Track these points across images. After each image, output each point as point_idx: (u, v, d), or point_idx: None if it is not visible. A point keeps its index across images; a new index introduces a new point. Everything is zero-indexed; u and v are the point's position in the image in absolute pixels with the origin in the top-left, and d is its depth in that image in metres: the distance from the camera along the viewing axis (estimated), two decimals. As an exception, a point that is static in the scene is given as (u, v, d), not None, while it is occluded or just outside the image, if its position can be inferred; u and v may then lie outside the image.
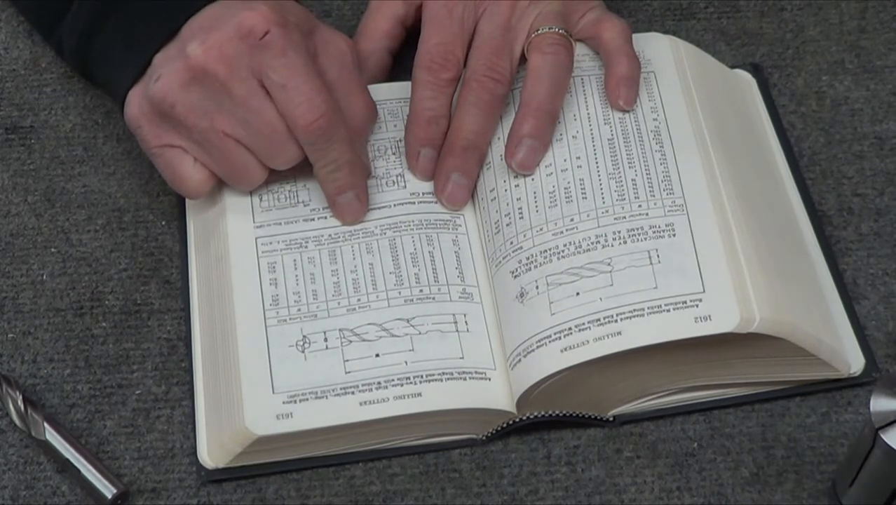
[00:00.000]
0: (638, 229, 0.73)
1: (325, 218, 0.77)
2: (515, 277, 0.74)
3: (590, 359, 0.70)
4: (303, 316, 0.74)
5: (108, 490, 0.71)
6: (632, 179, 0.75)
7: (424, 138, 0.78)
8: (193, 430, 0.74)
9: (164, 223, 0.81)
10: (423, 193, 0.78)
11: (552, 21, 0.78)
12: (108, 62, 0.78)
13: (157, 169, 0.76)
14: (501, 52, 0.78)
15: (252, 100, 0.72)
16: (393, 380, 0.72)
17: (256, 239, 0.76)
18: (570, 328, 0.71)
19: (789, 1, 0.91)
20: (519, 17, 0.78)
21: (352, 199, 0.76)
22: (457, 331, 0.74)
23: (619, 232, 0.73)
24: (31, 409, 0.73)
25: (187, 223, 0.80)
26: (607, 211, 0.74)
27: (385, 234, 0.76)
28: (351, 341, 0.73)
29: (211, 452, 0.72)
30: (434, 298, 0.75)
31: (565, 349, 0.70)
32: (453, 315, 0.74)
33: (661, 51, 0.81)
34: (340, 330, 0.73)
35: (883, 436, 0.64)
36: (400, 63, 0.80)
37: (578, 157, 0.76)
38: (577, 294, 0.72)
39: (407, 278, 0.75)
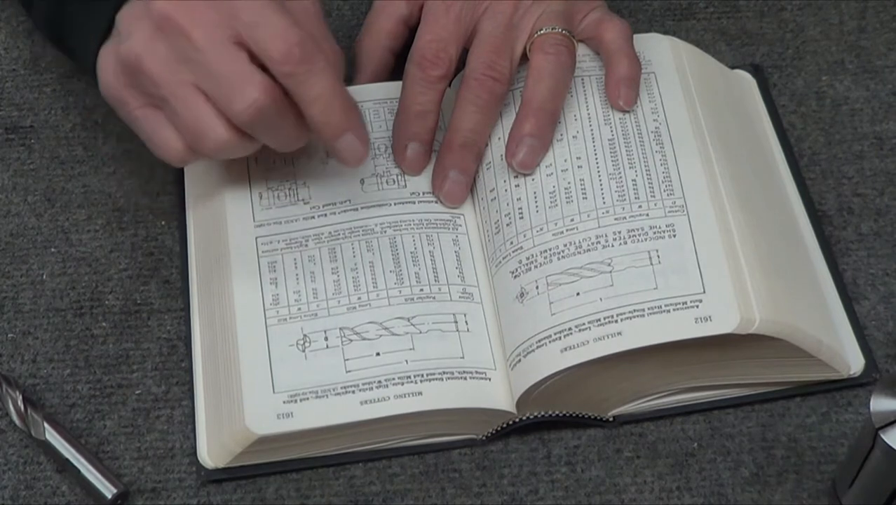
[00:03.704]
0: (638, 230, 0.73)
1: (326, 216, 0.77)
2: (515, 277, 0.74)
3: (590, 359, 0.70)
4: (303, 315, 0.74)
5: (108, 490, 0.71)
6: (632, 180, 0.75)
7: (412, 133, 0.78)
8: (193, 430, 0.74)
9: (164, 223, 0.81)
10: (424, 193, 0.78)
11: (555, 21, 0.78)
12: (74, 24, 0.76)
13: (137, 133, 0.75)
14: (502, 50, 0.78)
15: (216, 45, 0.70)
16: (393, 379, 0.72)
17: (257, 238, 0.76)
18: (570, 328, 0.71)
19: (789, 1, 0.91)
20: (521, 16, 0.78)
21: (352, 140, 0.73)
22: (457, 330, 0.74)
23: (620, 232, 0.73)
24: (31, 409, 0.73)
25: (187, 223, 0.80)
26: (608, 211, 0.74)
27: (385, 232, 0.76)
28: (351, 340, 0.73)
29: (211, 451, 0.72)
30: (434, 298, 0.75)
31: (565, 349, 0.71)
32: (453, 315, 0.74)
33: (661, 51, 0.81)
34: (341, 329, 0.73)
35: (883, 436, 0.64)
36: (403, 63, 0.80)
37: (579, 158, 0.76)
38: (578, 294, 0.72)
39: (407, 277, 0.75)
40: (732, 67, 0.86)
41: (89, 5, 0.75)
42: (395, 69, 0.82)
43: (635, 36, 0.80)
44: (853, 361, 0.75)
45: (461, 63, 0.79)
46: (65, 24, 0.78)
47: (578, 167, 0.76)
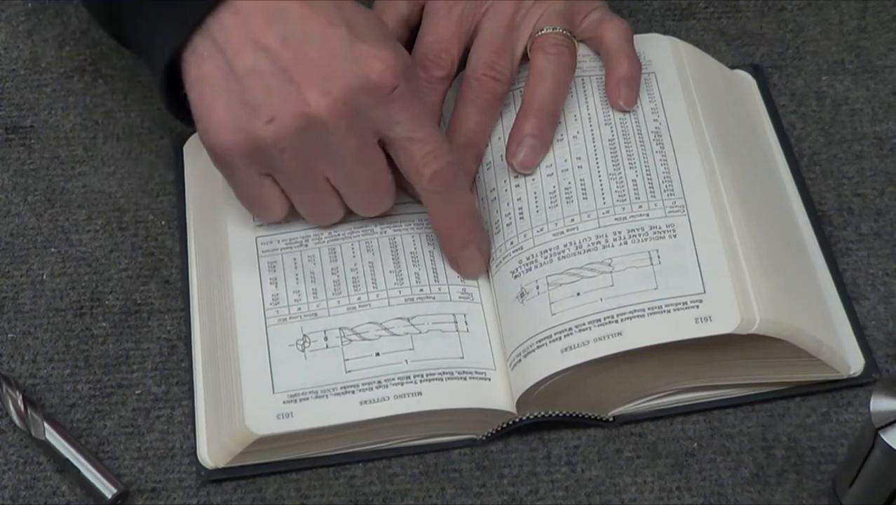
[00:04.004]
0: (638, 230, 0.73)
1: (325, 216, 0.77)
2: (516, 277, 0.74)
3: (590, 359, 0.70)
4: (303, 315, 0.74)
5: (108, 490, 0.71)
6: (632, 180, 0.75)
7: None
8: (193, 430, 0.74)
9: (164, 223, 0.81)
10: (424, 193, 0.78)
11: (556, 21, 0.78)
12: (141, 22, 0.72)
13: (233, 188, 0.73)
14: (503, 50, 0.78)
15: (365, 152, 0.70)
16: (393, 379, 0.72)
17: (257, 238, 0.76)
18: (570, 328, 0.71)
19: (789, 1, 0.91)
20: (522, 16, 0.78)
21: (474, 252, 0.75)
22: (457, 330, 0.74)
23: (620, 232, 0.73)
24: (31, 409, 0.73)
25: (187, 223, 0.80)
26: (608, 211, 0.74)
27: (385, 232, 0.76)
28: (351, 340, 0.73)
29: (211, 452, 0.72)
30: (434, 298, 0.75)
31: (565, 349, 0.70)
32: (453, 315, 0.74)
33: (661, 52, 0.81)
34: (340, 329, 0.73)
35: (883, 436, 0.64)
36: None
37: (579, 158, 0.76)
38: (578, 294, 0.72)
39: (407, 277, 0.75)
40: (732, 67, 0.86)
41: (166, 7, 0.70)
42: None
43: (635, 36, 0.80)
44: (853, 361, 0.75)
45: (462, 63, 0.79)
46: (126, 16, 0.74)
47: (579, 167, 0.76)
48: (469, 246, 0.75)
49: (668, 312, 0.70)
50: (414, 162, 0.71)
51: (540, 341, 0.71)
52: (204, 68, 0.69)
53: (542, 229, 0.75)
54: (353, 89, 0.68)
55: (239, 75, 0.68)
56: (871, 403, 0.65)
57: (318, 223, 0.76)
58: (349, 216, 0.76)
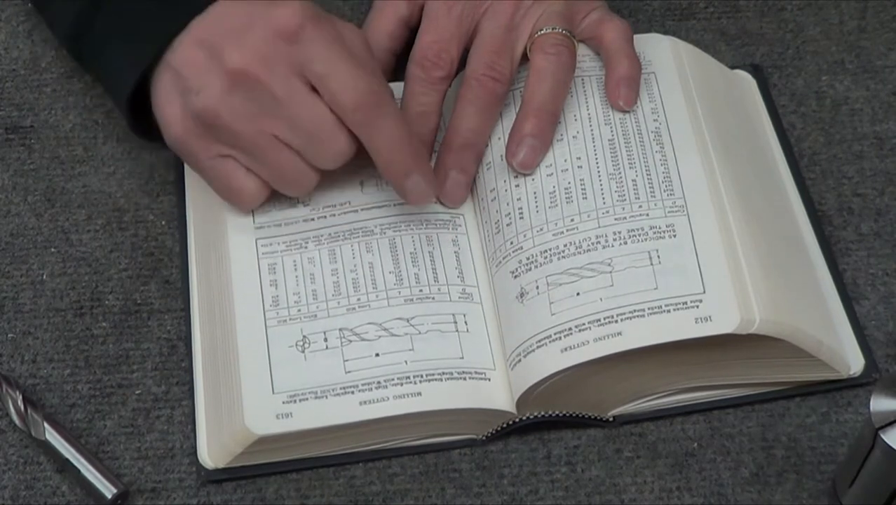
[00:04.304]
0: (638, 230, 0.73)
1: (325, 218, 0.77)
2: (515, 277, 0.74)
3: (590, 359, 0.70)
4: (303, 316, 0.74)
5: (108, 490, 0.71)
6: (632, 180, 0.75)
7: (414, 133, 0.78)
8: (193, 430, 0.74)
9: (164, 223, 0.81)
10: (424, 193, 0.78)
11: (556, 21, 0.78)
12: (104, 61, 0.77)
13: (208, 183, 0.76)
14: (502, 51, 0.78)
15: (296, 97, 0.72)
16: (393, 379, 0.72)
17: (257, 240, 0.76)
18: (570, 328, 0.71)
19: (789, 1, 0.91)
20: (522, 16, 0.78)
21: (418, 181, 0.74)
22: (456, 331, 0.74)
23: (620, 232, 0.73)
24: (31, 409, 0.73)
25: (187, 223, 0.80)
26: (608, 211, 0.74)
27: (385, 233, 0.76)
28: (351, 341, 0.73)
29: (211, 452, 0.72)
30: (434, 298, 0.75)
31: (565, 349, 0.71)
32: (453, 315, 0.74)
33: (661, 52, 0.81)
34: (340, 330, 0.73)
35: (883, 436, 0.64)
36: (403, 64, 0.80)
37: (579, 158, 0.76)
38: (578, 294, 0.72)
39: (407, 278, 0.75)
40: (732, 67, 0.86)
41: (124, 44, 0.75)
42: (396, 70, 0.83)
43: (635, 36, 0.80)
44: (853, 361, 0.75)
45: (461, 63, 0.79)
46: (94, 46, 0.78)
47: (578, 167, 0.76)
48: (411, 175, 0.74)
49: (668, 311, 0.70)
50: (335, 97, 0.72)
51: (540, 341, 0.71)
52: (159, 86, 0.74)
53: (541, 229, 0.75)
54: (264, 38, 0.71)
55: (180, 72, 0.73)
56: (871, 403, 0.65)
57: (296, 192, 0.76)
58: (335, 198, 0.77)
